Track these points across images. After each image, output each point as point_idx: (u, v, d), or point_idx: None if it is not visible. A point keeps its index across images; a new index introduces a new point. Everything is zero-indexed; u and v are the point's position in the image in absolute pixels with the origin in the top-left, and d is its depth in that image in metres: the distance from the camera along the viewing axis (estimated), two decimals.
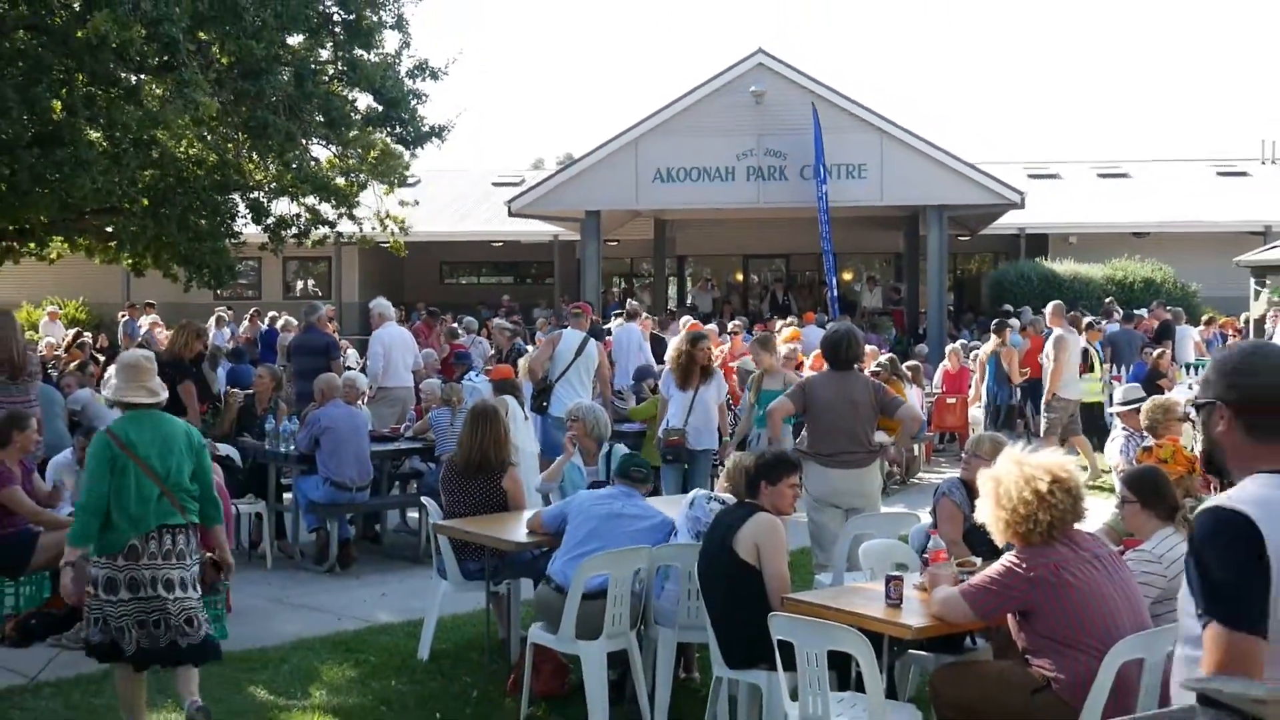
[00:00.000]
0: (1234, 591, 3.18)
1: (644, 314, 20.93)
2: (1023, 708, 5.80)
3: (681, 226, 34.26)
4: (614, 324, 19.62)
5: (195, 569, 6.79)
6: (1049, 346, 16.89)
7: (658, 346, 18.38)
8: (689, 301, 34.49)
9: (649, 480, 8.19)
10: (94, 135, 16.80)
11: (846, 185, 26.34)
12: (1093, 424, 16.62)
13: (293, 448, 11.16)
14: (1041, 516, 5.76)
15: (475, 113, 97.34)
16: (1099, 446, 15.50)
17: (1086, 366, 16.62)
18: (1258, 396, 3.34)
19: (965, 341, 21.63)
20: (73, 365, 15.69)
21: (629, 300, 24.06)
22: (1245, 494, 3.27)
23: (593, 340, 13.37)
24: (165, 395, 7.11)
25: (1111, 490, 8.26)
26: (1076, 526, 5.92)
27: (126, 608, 6.48)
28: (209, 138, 19.20)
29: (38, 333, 25.28)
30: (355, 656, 8.46)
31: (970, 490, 7.45)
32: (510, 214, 28.88)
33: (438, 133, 20.89)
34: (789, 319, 21.65)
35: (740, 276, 38.51)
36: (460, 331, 21.26)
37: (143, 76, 17.56)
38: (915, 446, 15.20)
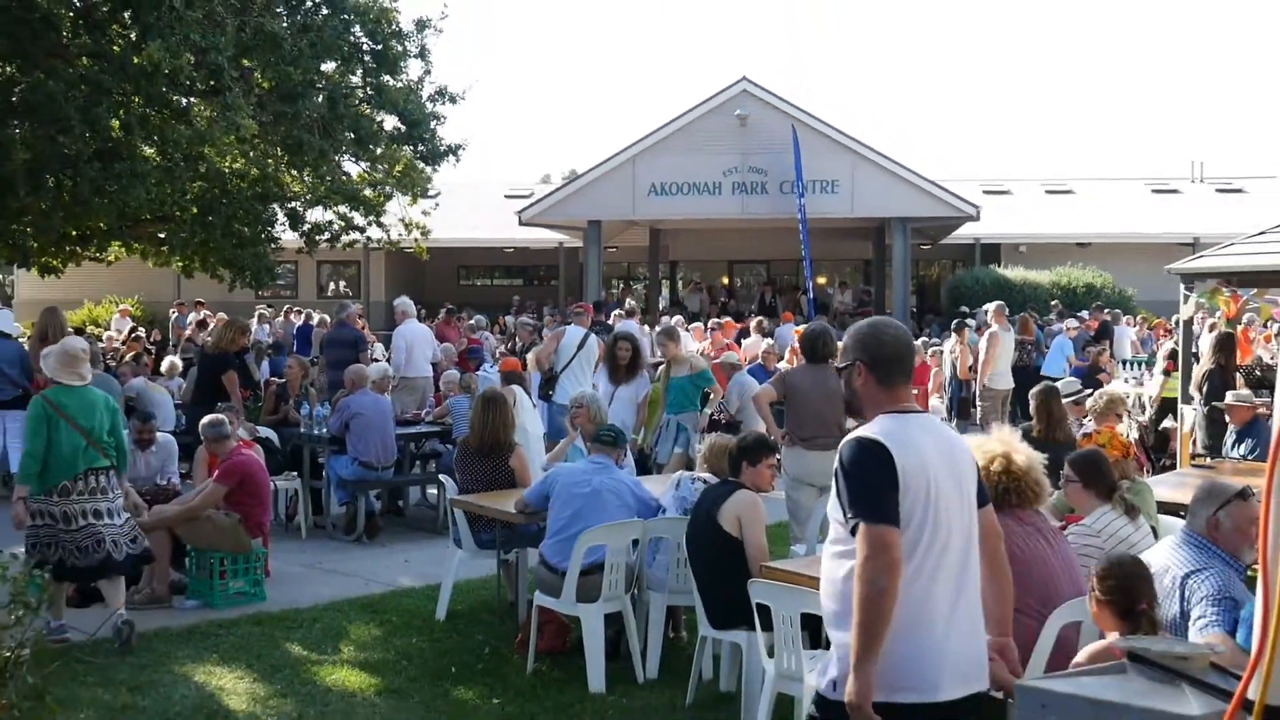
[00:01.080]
0: (875, 496, 3.81)
1: (639, 311, 20.98)
2: None
3: (673, 235, 34.31)
4: (615, 321, 19.61)
5: (119, 502, 7.83)
6: (983, 341, 16.93)
7: None
8: (680, 301, 34.50)
9: (619, 443, 8.20)
10: (148, 151, 16.81)
11: (821, 199, 26.43)
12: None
13: (325, 430, 11.17)
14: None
15: (489, 131, 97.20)
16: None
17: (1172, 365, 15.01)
18: (881, 355, 4.09)
19: (926, 339, 21.63)
20: (128, 356, 15.68)
21: (628, 300, 24.07)
22: (878, 428, 3.98)
23: (593, 335, 13.37)
24: (90, 377, 8.05)
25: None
26: (1027, 506, 5.94)
27: (63, 535, 7.48)
28: (251, 154, 19.19)
29: (109, 327, 25.25)
30: (380, 616, 8.48)
31: None
32: (520, 223, 28.94)
33: (454, 150, 20.97)
34: (758, 318, 21.67)
35: (726, 280, 38.51)
36: (477, 327, 21.31)
37: (192, 99, 17.56)
38: None
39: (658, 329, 14.78)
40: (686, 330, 20.13)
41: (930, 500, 3.87)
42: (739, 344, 18.86)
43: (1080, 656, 4.78)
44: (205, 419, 9.62)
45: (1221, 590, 4.70)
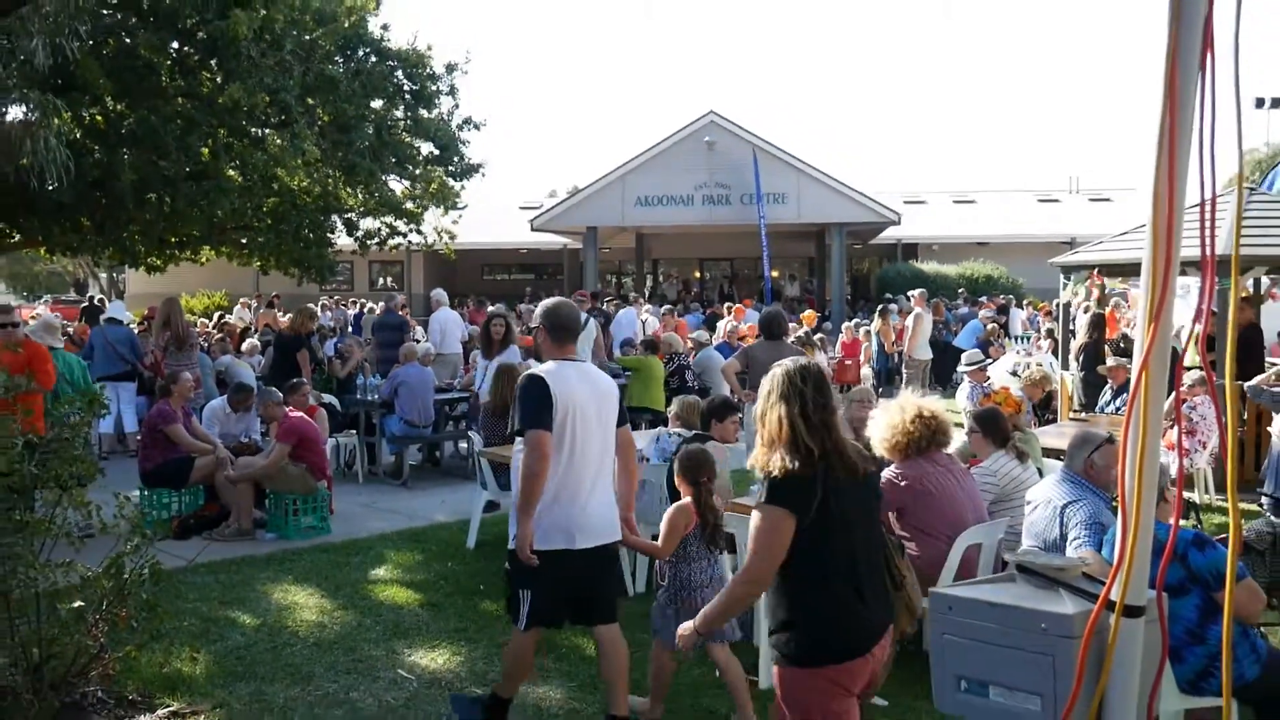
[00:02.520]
0: (535, 411, 4.56)
1: (640, 299, 20.95)
2: None
3: (655, 238, 34.26)
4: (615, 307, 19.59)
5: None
6: (909, 321, 16.94)
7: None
8: (660, 291, 34.45)
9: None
10: (231, 173, 16.76)
11: (774, 208, 26.48)
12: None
13: (376, 397, 11.17)
14: (903, 439, 5.82)
15: (506, 154, 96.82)
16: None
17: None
18: (556, 323, 4.88)
19: (858, 320, 21.66)
20: (217, 338, 15.64)
21: (631, 292, 24.05)
22: (544, 368, 4.77)
23: (592, 319, 13.34)
24: (62, 344, 9.01)
25: (962, 425, 8.27)
26: (941, 450, 5.97)
27: None
28: (314, 175, 19.17)
29: (230, 314, 25.17)
30: (421, 545, 8.48)
31: (853, 425, 7.51)
32: (532, 229, 28.94)
33: (477, 169, 20.96)
34: (726, 304, 21.70)
35: (697, 274, 38.45)
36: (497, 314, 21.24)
37: (266, 130, 17.50)
38: None
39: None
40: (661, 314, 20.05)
41: (574, 416, 4.66)
42: (711, 328, 18.84)
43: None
44: (261, 389, 9.66)
45: (1092, 517, 4.74)
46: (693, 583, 4.94)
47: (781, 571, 3.33)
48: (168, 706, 5.16)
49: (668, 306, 22.53)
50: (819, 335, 16.90)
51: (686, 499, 4.98)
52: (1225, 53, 2.51)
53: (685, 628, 3.70)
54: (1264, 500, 7.99)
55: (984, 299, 24.29)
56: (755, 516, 3.34)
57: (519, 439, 4.62)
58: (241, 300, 26.14)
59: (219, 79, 15.98)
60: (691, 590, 4.91)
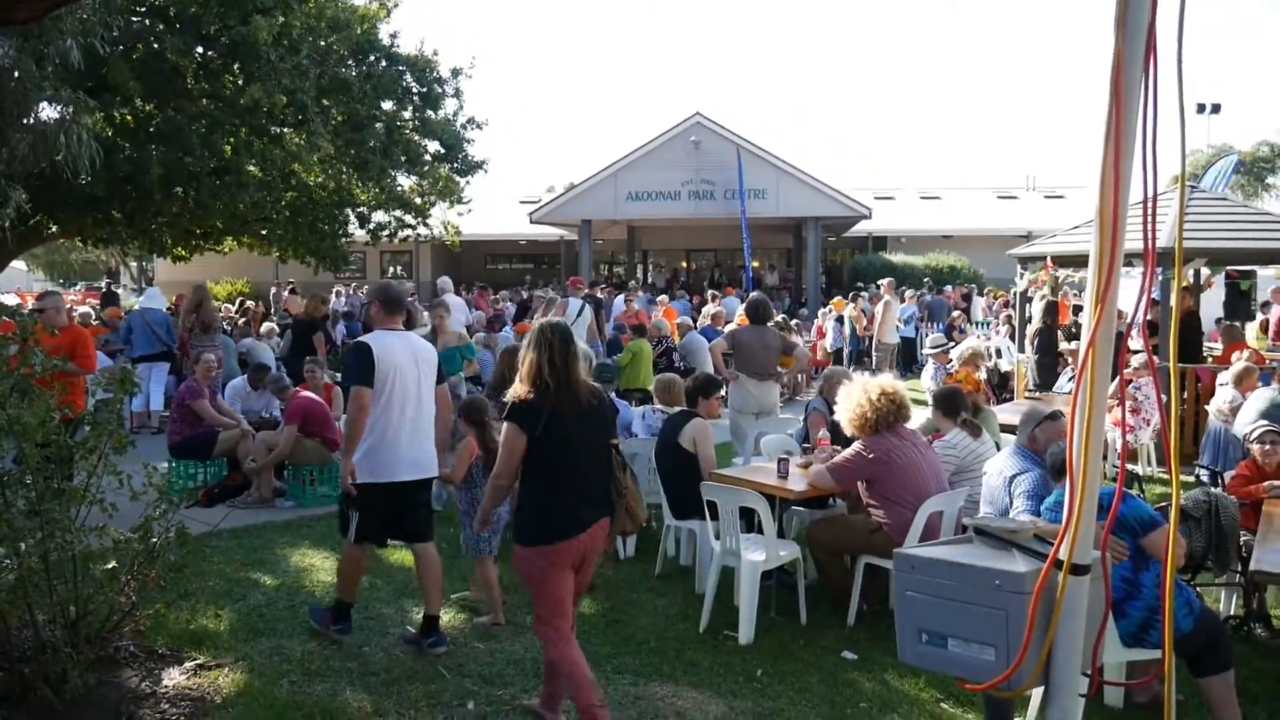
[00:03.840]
0: (358, 370, 5.21)
1: (637, 288, 20.93)
2: (865, 542, 5.90)
3: (645, 230, 34.20)
4: (607, 295, 19.58)
5: None
6: (879, 308, 16.97)
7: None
8: (649, 280, 34.40)
9: (614, 380, 8.31)
10: (252, 169, 16.66)
11: (754, 203, 26.41)
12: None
13: None
14: (870, 415, 5.85)
15: (507, 150, 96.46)
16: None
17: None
18: (386, 299, 5.56)
19: (827, 310, 21.70)
20: (240, 322, 15.61)
21: (632, 281, 23.97)
22: (370, 337, 5.41)
23: (587, 305, 13.33)
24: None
25: (925, 403, 8.33)
26: (905, 425, 6.00)
27: None
28: (329, 171, 19.09)
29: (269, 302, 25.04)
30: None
31: (828, 403, 7.54)
32: (531, 221, 28.85)
33: (480, 165, 20.90)
34: (710, 291, 21.70)
35: (684, 264, 38.40)
36: (500, 300, 21.25)
37: (285, 129, 17.40)
38: (800, 375, 15.28)
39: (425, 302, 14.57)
40: (654, 302, 20.04)
41: (394, 375, 5.28)
42: (698, 313, 18.84)
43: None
44: (270, 376, 9.66)
45: (1034, 488, 4.78)
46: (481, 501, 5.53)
47: (521, 472, 4.25)
48: (194, 659, 5.18)
49: (662, 296, 22.53)
50: (795, 321, 16.91)
51: (470, 437, 5.87)
52: (1169, 59, 2.52)
53: (476, 523, 4.94)
54: (1200, 472, 8.05)
55: (948, 288, 24.33)
56: (503, 428, 4.24)
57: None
58: (276, 285, 26.00)
59: (240, 81, 15.89)
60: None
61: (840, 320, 18.24)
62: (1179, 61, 2.46)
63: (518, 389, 4.21)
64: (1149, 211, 2.50)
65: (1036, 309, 13.02)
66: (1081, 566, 2.47)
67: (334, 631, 5.53)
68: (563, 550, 4.20)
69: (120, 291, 33.67)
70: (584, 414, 4.24)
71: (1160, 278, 11.09)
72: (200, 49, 16.03)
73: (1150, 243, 2.54)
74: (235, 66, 15.95)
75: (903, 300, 18.33)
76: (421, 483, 5.47)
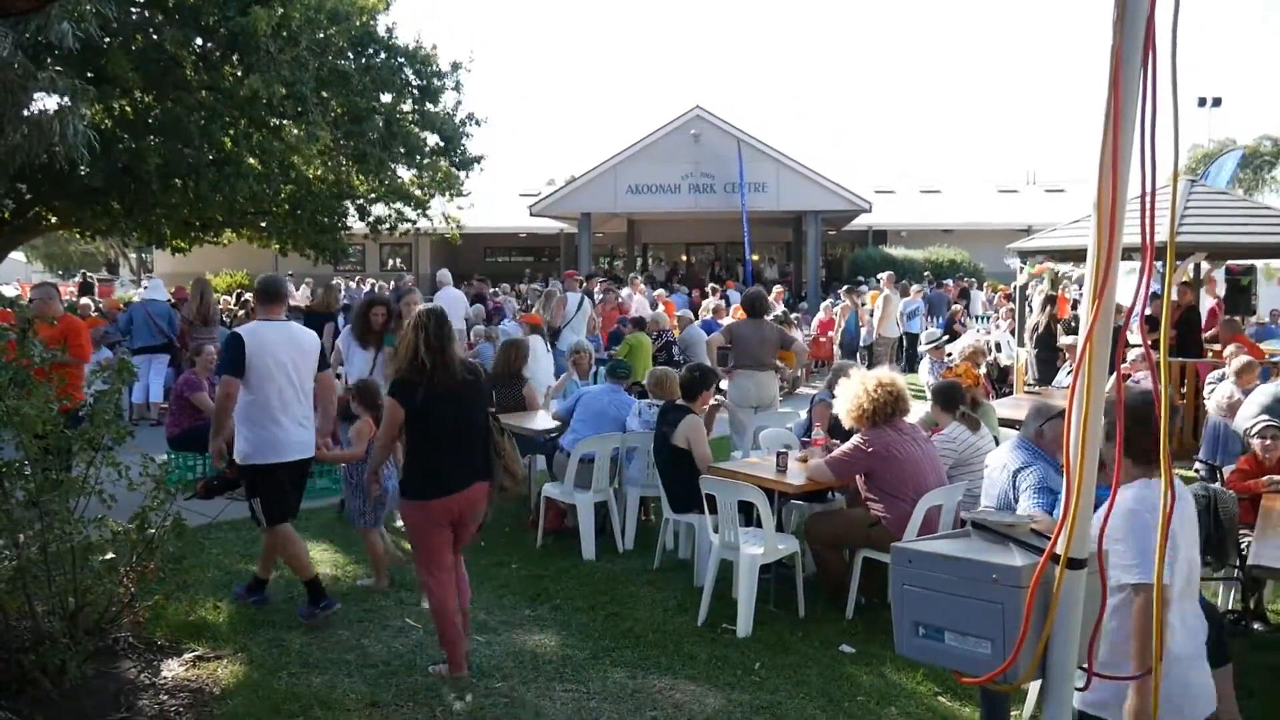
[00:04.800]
0: (229, 360, 5.51)
1: (638, 281, 20.93)
2: (863, 536, 5.90)
3: (645, 224, 34.19)
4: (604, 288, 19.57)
5: None
6: (878, 302, 16.94)
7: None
8: (648, 272, 34.37)
9: (629, 376, 8.32)
10: (251, 161, 16.64)
11: (755, 197, 26.43)
12: None
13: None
14: (868, 408, 5.85)
15: (507, 144, 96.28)
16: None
17: None
18: (265, 293, 5.87)
19: (832, 301, 21.68)
20: (240, 314, 15.61)
21: (633, 274, 23.90)
22: (245, 329, 5.67)
23: (586, 298, 13.34)
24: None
25: (924, 398, 8.34)
26: (903, 419, 6.01)
27: None
28: (328, 163, 19.08)
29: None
30: None
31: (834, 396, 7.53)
32: (530, 214, 28.87)
33: (478, 160, 20.88)
34: (710, 285, 21.71)
35: (684, 258, 38.39)
36: (499, 293, 21.27)
37: (284, 121, 17.38)
38: (800, 369, 15.25)
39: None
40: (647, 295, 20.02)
41: (270, 365, 5.54)
42: (697, 306, 18.83)
43: None
44: None
45: (1042, 481, 4.77)
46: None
47: (404, 439, 4.84)
48: (193, 651, 5.20)
49: (660, 290, 22.53)
50: (795, 314, 16.90)
51: (366, 418, 6.32)
52: (1167, 52, 2.52)
53: (367, 480, 5.45)
54: (1198, 466, 8.06)
55: (948, 282, 24.32)
56: (386, 401, 4.86)
57: None
58: (307, 280, 26.00)
59: (239, 72, 15.87)
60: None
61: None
62: (1174, 53, 2.46)
63: (399, 367, 4.80)
64: (1147, 205, 2.50)
65: (1036, 303, 13.03)
66: (1078, 561, 2.46)
67: (251, 602, 5.92)
68: (438, 507, 4.82)
69: (117, 282, 33.66)
70: (459, 388, 4.82)
71: (1159, 272, 11.10)
72: (199, 40, 16.01)
73: (1149, 237, 2.54)
74: (234, 58, 15.94)
75: (905, 295, 18.30)
76: (301, 465, 5.87)
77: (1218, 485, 5.99)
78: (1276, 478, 6.23)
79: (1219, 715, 4.43)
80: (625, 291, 19.33)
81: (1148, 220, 2.50)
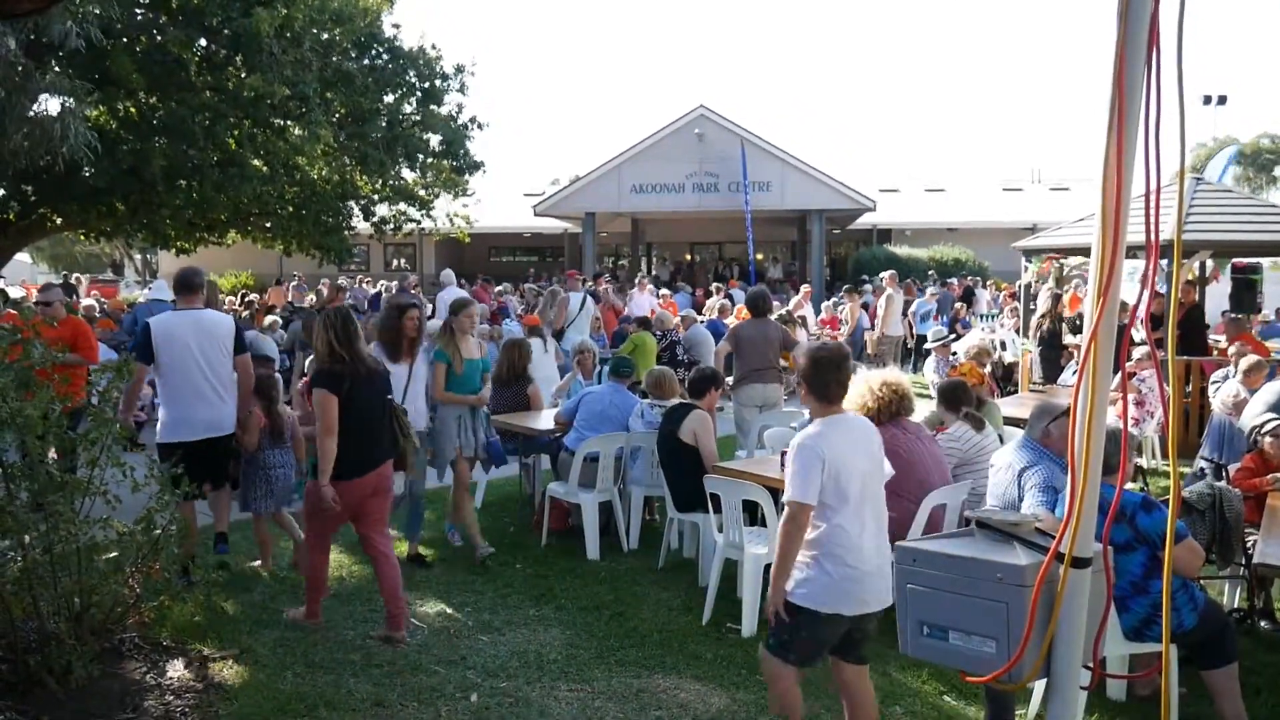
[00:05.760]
0: (138, 347, 6.04)
1: (645, 281, 20.92)
2: None
3: (649, 223, 34.16)
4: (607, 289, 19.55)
5: None
6: (881, 301, 16.91)
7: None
8: (653, 272, 34.38)
9: (632, 374, 8.28)
10: (256, 162, 16.65)
11: (759, 196, 26.45)
12: None
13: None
14: (873, 406, 5.84)
15: (513, 143, 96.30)
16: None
17: None
18: (177, 282, 6.35)
19: (837, 300, 21.64)
20: (244, 314, 15.62)
21: (639, 274, 23.91)
22: (155, 316, 6.20)
23: (589, 297, 13.33)
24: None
25: (930, 397, 8.32)
26: (908, 418, 5.99)
27: None
28: (333, 164, 19.08)
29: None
30: (433, 506, 8.41)
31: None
32: (535, 214, 28.91)
33: (479, 166, 20.90)
34: (715, 284, 21.71)
35: (688, 257, 38.40)
36: (503, 293, 21.24)
37: (288, 121, 17.39)
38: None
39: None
40: (656, 295, 20.00)
41: (179, 351, 6.03)
42: (698, 311, 18.80)
43: None
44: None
45: (1047, 481, 4.76)
46: (269, 463, 6.49)
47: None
48: (198, 651, 5.20)
49: (664, 290, 22.53)
50: (800, 314, 16.88)
51: (258, 409, 6.44)
52: (1172, 49, 2.51)
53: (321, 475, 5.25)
54: (1202, 464, 8.03)
55: (953, 280, 24.29)
56: (314, 395, 5.19)
57: None
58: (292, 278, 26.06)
59: (243, 73, 15.89)
60: (269, 469, 6.49)
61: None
62: (1179, 50, 2.45)
63: (320, 362, 5.25)
64: (1152, 203, 2.49)
65: (1041, 301, 13.00)
66: (1082, 560, 2.46)
67: (217, 550, 6.39)
68: (357, 485, 5.27)
69: (122, 283, 33.72)
70: (369, 377, 5.32)
71: (1164, 270, 11.06)
72: (203, 41, 16.02)
73: (1153, 234, 2.53)
74: (238, 58, 15.95)
75: (909, 294, 18.25)
76: (219, 442, 6.23)
77: (1223, 483, 5.96)
78: None
79: (1223, 712, 4.44)
80: (633, 291, 19.38)
81: (1152, 217, 2.49)
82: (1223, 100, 39.47)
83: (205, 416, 6.14)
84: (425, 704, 4.71)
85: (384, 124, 18.49)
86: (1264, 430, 6.51)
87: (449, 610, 5.96)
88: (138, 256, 44.08)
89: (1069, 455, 2.54)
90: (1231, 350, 10.35)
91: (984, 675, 2.54)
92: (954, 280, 24.35)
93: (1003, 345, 15.38)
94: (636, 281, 20.29)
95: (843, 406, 6.06)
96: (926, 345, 13.52)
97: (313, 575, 5.62)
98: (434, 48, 19.65)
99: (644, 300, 17.97)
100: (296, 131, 17.14)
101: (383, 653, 5.30)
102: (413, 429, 5.84)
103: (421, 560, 6.94)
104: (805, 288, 20.37)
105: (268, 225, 19.45)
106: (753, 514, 6.08)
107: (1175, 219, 10.25)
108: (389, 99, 19.27)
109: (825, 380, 3.91)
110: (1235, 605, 6.02)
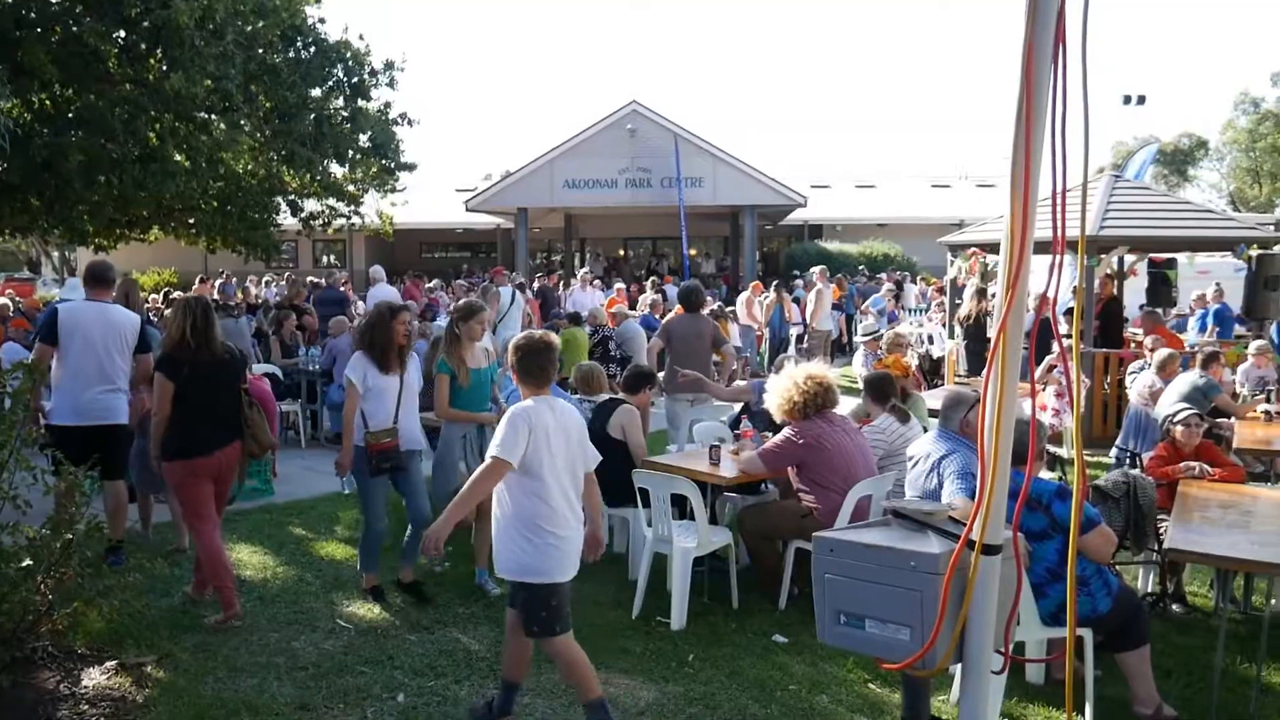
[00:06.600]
0: (43, 330, 6.30)
1: (590, 276, 20.84)
2: (796, 527, 5.95)
3: (582, 218, 34.11)
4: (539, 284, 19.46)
5: None
6: (811, 295, 17.08)
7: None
8: (587, 269, 34.31)
9: (559, 369, 8.18)
10: (179, 157, 16.25)
11: (692, 191, 26.56)
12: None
13: (316, 366, 11.04)
14: (799, 400, 5.90)
15: (444, 139, 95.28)
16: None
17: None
18: (87, 275, 6.54)
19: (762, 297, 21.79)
20: (167, 311, 15.27)
21: (583, 269, 23.75)
22: (66, 305, 6.23)
23: (518, 292, 13.27)
24: None
25: (857, 389, 8.43)
26: (834, 410, 6.07)
27: None
28: (259, 158, 18.73)
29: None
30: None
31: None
32: (467, 210, 28.74)
33: (409, 167, 20.67)
34: (651, 279, 21.75)
35: (621, 252, 38.42)
36: (433, 289, 21.02)
37: (211, 116, 17.02)
38: (734, 364, 15.27)
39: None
40: (596, 288, 19.96)
41: (79, 338, 6.20)
42: (632, 306, 18.79)
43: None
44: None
45: (965, 468, 4.85)
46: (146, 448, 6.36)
47: (171, 407, 5.45)
48: (115, 659, 5.07)
49: (619, 285, 22.47)
50: (731, 309, 16.98)
51: (145, 395, 6.46)
52: (1093, 47, 2.57)
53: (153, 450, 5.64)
54: (1116, 453, 8.26)
55: (882, 275, 24.66)
56: (154, 377, 5.55)
57: None
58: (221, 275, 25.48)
59: (164, 66, 15.49)
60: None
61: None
62: (1083, 48, 2.51)
63: (167, 346, 5.55)
64: (1058, 200, 2.55)
65: (967, 296, 13.25)
66: (993, 547, 2.52)
67: (109, 564, 5.88)
68: (200, 465, 5.55)
69: (39, 282, 32.75)
70: (219, 364, 5.57)
71: (1086, 265, 11.35)
72: (121, 32, 15.59)
73: (1060, 230, 2.59)
74: (158, 51, 15.55)
75: (835, 289, 18.44)
76: (109, 430, 6.34)
77: (1137, 472, 6.14)
78: (1193, 464, 6.42)
79: (1136, 692, 4.57)
80: (574, 286, 19.34)
81: (1059, 214, 2.55)
82: (1142, 100, 40.52)
83: (99, 403, 6.30)
84: (352, 705, 4.65)
85: (311, 119, 18.17)
86: (1175, 419, 6.72)
87: (376, 610, 5.89)
88: (55, 254, 42.81)
89: (979, 445, 2.59)
90: (1147, 343, 10.67)
91: (899, 662, 2.59)
92: (883, 275, 24.72)
93: (930, 339, 15.64)
94: (580, 277, 20.21)
95: (770, 403, 6.16)
96: (857, 339, 13.70)
97: (206, 551, 5.66)
98: (361, 39, 19.39)
99: (585, 297, 17.93)
100: (221, 126, 16.78)
101: (308, 655, 5.23)
102: (260, 419, 5.92)
103: (417, 589, 6.20)
104: (755, 283, 20.49)
105: (191, 221, 19.03)
106: (682, 508, 6.11)
107: (1082, 215, 10.50)
108: (316, 93, 18.95)
109: (530, 366, 4.33)
110: (1149, 589, 6.20)
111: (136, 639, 5.34)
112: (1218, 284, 16.66)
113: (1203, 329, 15.52)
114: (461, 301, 6.79)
